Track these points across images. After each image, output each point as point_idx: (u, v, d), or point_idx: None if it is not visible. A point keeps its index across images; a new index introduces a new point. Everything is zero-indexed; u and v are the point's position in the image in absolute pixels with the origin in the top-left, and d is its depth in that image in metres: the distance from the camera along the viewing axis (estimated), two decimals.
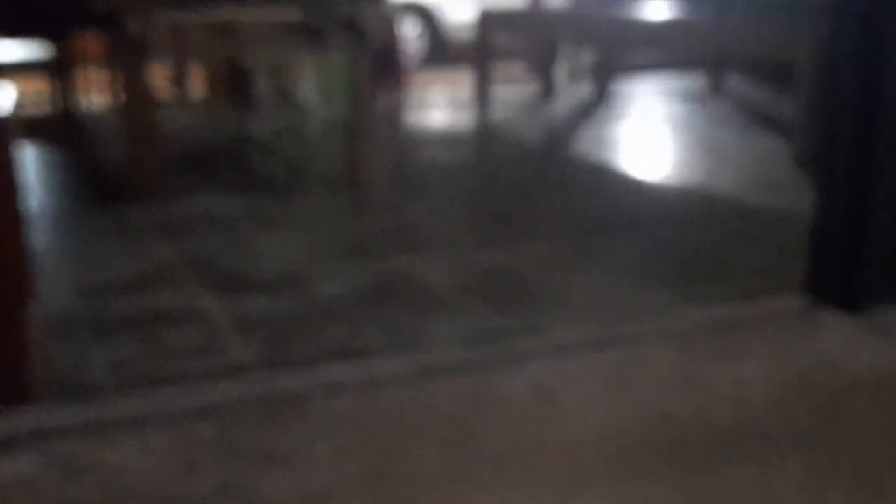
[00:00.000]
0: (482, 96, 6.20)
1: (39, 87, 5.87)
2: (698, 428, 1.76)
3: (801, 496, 1.53)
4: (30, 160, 4.38)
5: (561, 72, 7.15)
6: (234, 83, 6.06)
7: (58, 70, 5.60)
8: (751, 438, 1.72)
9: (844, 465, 1.63)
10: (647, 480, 1.57)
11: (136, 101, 3.55)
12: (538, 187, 3.96)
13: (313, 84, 5.78)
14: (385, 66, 6.67)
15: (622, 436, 1.73)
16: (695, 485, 1.56)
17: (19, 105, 1.95)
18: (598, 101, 6.18)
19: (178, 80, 6.69)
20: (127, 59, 3.48)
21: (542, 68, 6.66)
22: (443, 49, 9.76)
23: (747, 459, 1.64)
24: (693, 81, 6.86)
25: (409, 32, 9.51)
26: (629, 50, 7.13)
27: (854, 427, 1.76)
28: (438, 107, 6.30)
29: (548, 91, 6.46)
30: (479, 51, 6.28)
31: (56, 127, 5.41)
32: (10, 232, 1.81)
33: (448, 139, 5.14)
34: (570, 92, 6.67)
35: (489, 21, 6.27)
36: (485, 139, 5.36)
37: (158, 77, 6.17)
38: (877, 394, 1.89)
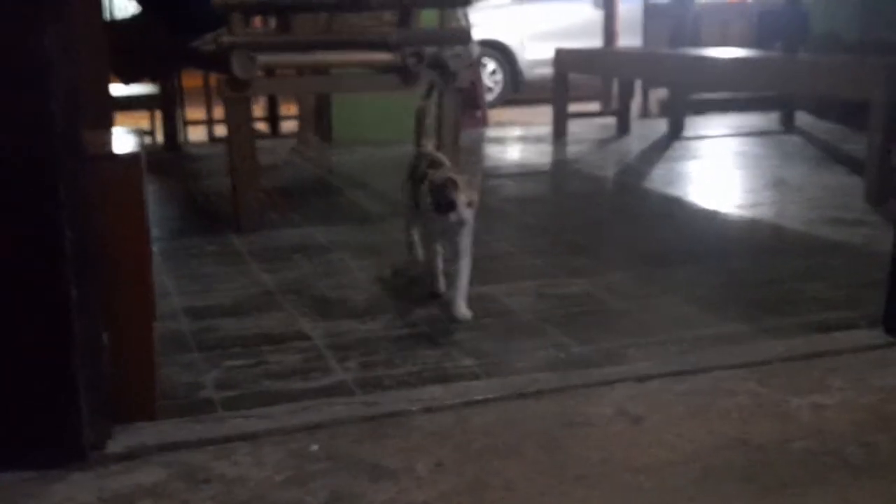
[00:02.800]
0: (559, 132, 6.25)
1: (142, 121, 6.10)
2: (778, 453, 1.77)
3: None
4: None
5: (635, 109, 7.17)
6: (320, 118, 6.22)
7: (162, 105, 5.81)
8: (830, 465, 1.73)
9: None
10: (729, 502, 1.59)
11: (240, 136, 3.67)
12: (613, 220, 3.98)
13: (397, 117, 5.88)
14: (466, 103, 6.77)
15: (704, 459, 1.75)
16: None
17: (142, 142, 2.06)
18: (671, 138, 6.18)
19: (270, 115, 6.88)
20: (232, 97, 3.61)
21: (618, 106, 6.70)
22: (521, 87, 9.84)
23: (827, 485, 1.65)
24: (764, 119, 6.82)
25: (490, 70, 9.62)
26: (701, 88, 7.12)
27: None
28: (517, 142, 6.37)
29: (622, 128, 6.49)
30: (556, 88, 6.34)
31: (162, 160, 5.60)
32: (142, 260, 1.91)
33: (526, 173, 5.20)
34: (644, 129, 6.68)
35: (566, 59, 6.33)
36: (561, 173, 5.40)
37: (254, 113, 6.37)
38: None
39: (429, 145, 2.93)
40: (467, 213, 2.41)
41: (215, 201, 4.29)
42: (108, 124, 2.34)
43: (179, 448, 1.78)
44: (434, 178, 2.47)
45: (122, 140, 1.97)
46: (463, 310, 2.57)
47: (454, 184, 2.39)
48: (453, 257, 2.59)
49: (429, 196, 2.51)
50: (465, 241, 2.54)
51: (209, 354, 2.36)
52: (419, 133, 2.93)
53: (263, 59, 3.63)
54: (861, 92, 4.24)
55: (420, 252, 2.97)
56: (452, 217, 2.41)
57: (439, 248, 2.75)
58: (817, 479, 1.68)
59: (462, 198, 2.38)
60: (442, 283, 2.78)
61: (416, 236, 2.98)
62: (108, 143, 1.97)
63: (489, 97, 8.85)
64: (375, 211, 4.30)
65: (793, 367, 2.19)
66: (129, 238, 1.85)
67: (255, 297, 2.85)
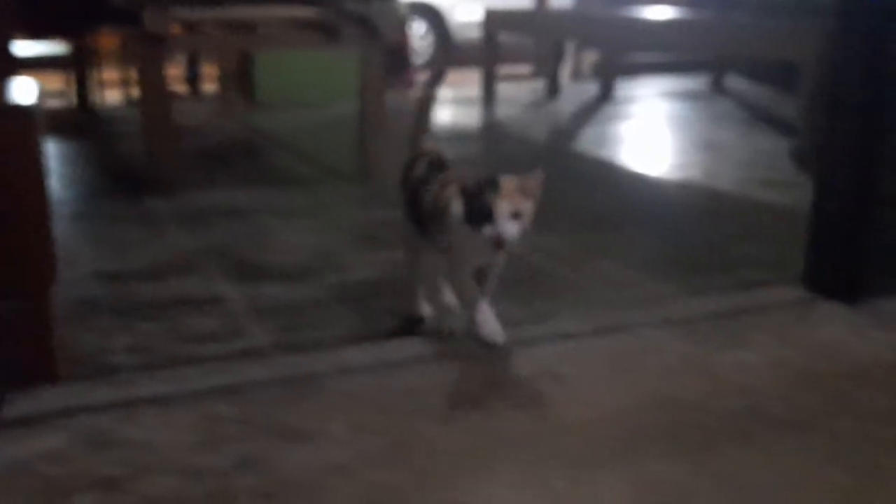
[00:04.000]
0: (488, 94, 6.22)
1: (56, 83, 5.90)
2: (703, 410, 1.77)
3: (803, 477, 1.55)
4: (50, 153, 4.41)
5: (565, 71, 7.17)
6: (244, 78, 6.09)
7: (75, 66, 5.62)
8: (755, 421, 1.74)
9: (847, 449, 1.64)
10: (653, 460, 1.58)
11: (155, 95, 3.57)
12: (546, 182, 3.97)
13: (323, 78, 5.80)
14: (395, 64, 6.69)
15: (629, 417, 1.75)
16: (700, 464, 1.58)
17: (42, 97, 1.97)
18: (602, 100, 6.20)
19: (190, 75, 6.72)
20: (145, 54, 3.50)
21: (548, 68, 6.69)
22: (450, 48, 9.77)
23: (752, 441, 1.66)
24: (695, 81, 6.88)
25: (418, 31, 9.54)
26: (633, 50, 7.14)
27: (857, 412, 1.77)
28: (446, 104, 6.32)
29: (553, 90, 6.48)
30: (485, 50, 6.30)
31: (74, 121, 5.44)
32: (37, 219, 1.83)
33: (455, 135, 5.15)
34: (575, 91, 6.69)
35: (495, 20, 6.29)
36: (491, 136, 5.37)
37: (172, 74, 6.21)
38: (878, 381, 1.90)
39: (427, 143, 2.29)
40: (512, 229, 1.85)
41: (132, 164, 4.17)
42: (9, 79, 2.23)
43: (82, 412, 1.71)
44: (465, 180, 1.91)
45: (20, 94, 1.87)
46: (493, 328, 2.04)
47: (494, 186, 1.85)
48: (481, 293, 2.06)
49: (453, 203, 1.95)
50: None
51: (122, 319, 2.29)
52: (417, 129, 2.31)
53: (179, 13, 3.52)
54: (791, 54, 4.28)
55: (426, 297, 2.27)
56: (488, 231, 1.85)
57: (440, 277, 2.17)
58: (743, 435, 1.68)
59: (505, 206, 1.84)
60: (423, 306, 2.27)
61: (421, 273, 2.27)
62: (2, 96, 1.87)
63: (419, 60, 8.77)
64: (300, 172, 4.23)
65: (718, 324, 2.20)
66: (25, 195, 1.76)
67: (173, 261, 2.77)
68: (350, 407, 1.76)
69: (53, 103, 5.78)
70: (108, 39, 6.11)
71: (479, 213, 1.85)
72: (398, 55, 6.89)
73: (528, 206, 1.88)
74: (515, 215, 1.85)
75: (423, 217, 2.10)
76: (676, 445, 1.64)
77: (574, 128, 5.32)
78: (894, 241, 2.31)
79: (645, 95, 6.47)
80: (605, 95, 6.28)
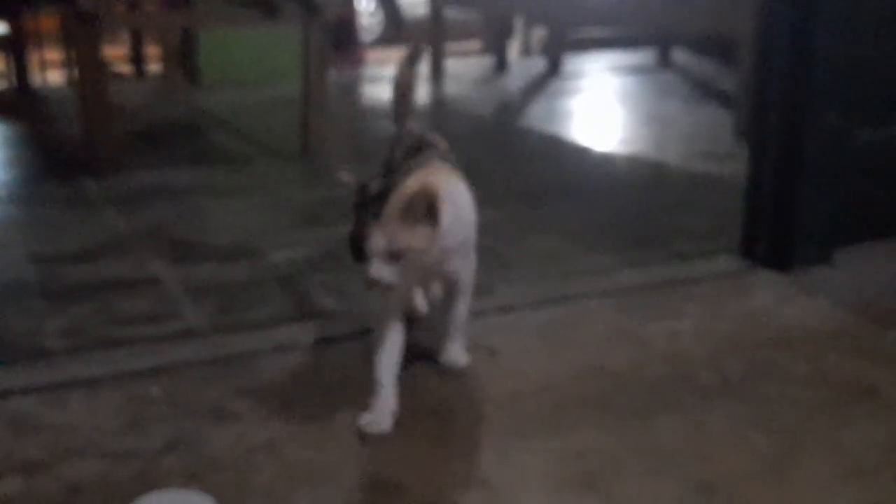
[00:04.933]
0: (436, 71, 6.20)
1: None
2: (631, 380, 1.80)
3: (727, 442, 1.58)
4: None
5: (514, 47, 7.17)
6: (187, 58, 6.02)
7: (12, 47, 5.52)
8: (682, 389, 1.77)
9: (770, 413, 1.68)
10: (581, 430, 1.61)
11: (90, 75, 3.52)
12: (489, 158, 3.98)
13: (267, 57, 5.75)
14: (341, 41, 6.65)
15: (558, 388, 1.77)
16: (626, 432, 1.61)
17: None
18: (550, 76, 6.21)
19: (134, 56, 6.63)
20: (80, 33, 3.44)
21: (495, 44, 6.68)
22: (399, 25, 9.72)
23: (678, 409, 1.69)
24: (641, 56, 6.91)
25: (367, 8, 9.48)
26: (580, 25, 7.16)
27: (780, 378, 1.81)
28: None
29: (500, 66, 6.48)
30: (433, 26, 6.27)
31: (11, 102, 5.34)
32: None
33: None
34: (523, 67, 6.69)
35: None
36: (438, 112, 5.36)
37: (115, 54, 6.13)
38: (802, 346, 1.94)
39: (412, 124, 2.01)
40: (386, 273, 1.48)
41: (69, 145, 4.10)
42: None
43: (7, 395, 1.69)
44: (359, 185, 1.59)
45: None
46: (457, 354, 1.84)
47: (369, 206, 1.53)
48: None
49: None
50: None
51: (53, 302, 2.27)
52: (399, 109, 2.06)
53: None
54: (730, 28, 4.32)
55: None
56: (364, 270, 1.49)
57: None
58: (670, 403, 1.72)
59: (379, 241, 1.47)
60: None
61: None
62: None
63: (369, 38, 8.72)
64: (241, 152, 4.20)
65: (651, 294, 2.24)
66: None
67: (107, 243, 2.74)
68: (281, 386, 1.76)
69: None
70: (47, 20, 6.01)
71: (352, 241, 1.52)
72: (345, 32, 6.85)
73: (417, 241, 1.44)
74: (393, 256, 1.44)
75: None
76: (604, 415, 1.67)
77: (521, 104, 5.33)
78: (825, 210, 2.36)
79: (593, 70, 6.49)
80: (553, 71, 6.29)
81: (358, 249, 1.52)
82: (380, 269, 1.45)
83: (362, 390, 1.71)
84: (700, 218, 2.94)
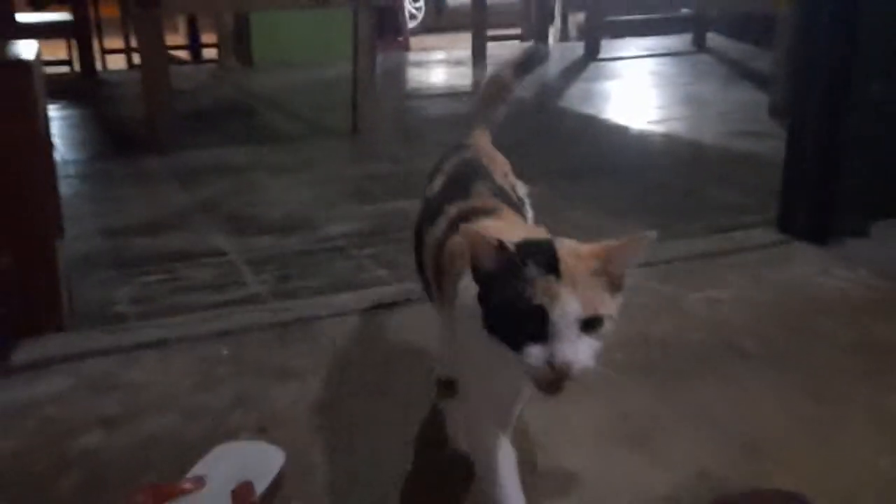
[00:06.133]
0: (478, 54, 6.18)
1: (59, 51, 5.86)
2: (676, 346, 1.79)
3: (771, 406, 1.57)
4: (55, 117, 4.39)
5: (554, 33, 7.12)
6: (240, 42, 6.05)
7: (76, 34, 5.58)
8: (726, 356, 1.75)
9: (813, 379, 1.66)
10: (628, 394, 1.60)
11: (152, 59, 3.55)
12: (529, 138, 3.97)
13: (316, 39, 5.77)
14: (387, 26, 6.65)
15: (605, 356, 1.76)
16: (672, 395, 1.60)
17: (41, 58, 1.96)
18: (588, 60, 6.16)
19: (190, 41, 6.68)
20: (141, 18, 3.47)
21: (536, 29, 6.64)
22: (441, 10, 9.69)
23: (723, 374, 1.68)
24: (677, 41, 6.84)
25: None
26: (618, 11, 7.09)
27: (823, 345, 1.79)
28: (437, 65, 6.29)
29: None
30: (474, 9, 6.25)
31: (77, 87, 5.40)
32: (42, 173, 1.83)
33: (445, 95, 5.13)
34: (562, 52, 6.65)
35: None
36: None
37: (173, 41, 6.17)
38: (843, 315, 1.92)
39: (483, 138, 1.56)
40: (584, 353, 0.95)
41: (132, 126, 4.15)
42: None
43: (86, 357, 1.72)
44: (477, 237, 0.99)
45: (18, 51, 1.87)
46: None
47: (544, 258, 0.96)
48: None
49: (464, 280, 1.07)
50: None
51: (123, 271, 2.30)
52: (482, 112, 1.61)
53: None
54: (766, 7, 4.26)
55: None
56: (532, 359, 0.94)
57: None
58: (715, 368, 1.70)
59: (571, 304, 0.94)
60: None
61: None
62: (4, 54, 1.86)
63: (412, 24, 8.71)
64: (293, 131, 4.23)
65: (692, 265, 2.22)
66: (25, 149, 1.76)
67: (170, 217, 2.77)
68: (339, 348, 1.77)
69: (57, 70, 5.74)
70: (108, 7, 6.07)
71: (513, 320, 0.95)
72: (391, 17, 6.85)
73: (612, 303, 0.98)
74: (590, 324, 0.95)
75: (422, 264, 1.33)
76: (650, 379, 1.66)
77: (560, 86, 5.30)
78: (862, 184, 2.32)
79: (629, 55, 6.43)
80: (591, 55, 6.24)
81: (495, 320, 0.98)
82: (575, 348, 0.94)
83: (415, 353, 1.72)
84: (737, 193, 2.91)
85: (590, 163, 3.43)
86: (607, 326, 0.97)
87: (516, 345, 0.95)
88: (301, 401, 1.55)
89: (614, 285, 0.99)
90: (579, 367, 0.94)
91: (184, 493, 1.25)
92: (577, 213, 2.73)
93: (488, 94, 1.61)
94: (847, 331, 1.84)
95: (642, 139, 3.87)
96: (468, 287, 1.03)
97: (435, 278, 1.24)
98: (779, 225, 2.40)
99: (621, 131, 4.02)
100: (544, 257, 0.96)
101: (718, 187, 3.00)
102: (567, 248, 0.99)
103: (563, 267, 0.95)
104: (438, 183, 1.38)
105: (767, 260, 2.25)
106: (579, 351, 0.94)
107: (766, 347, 1.78)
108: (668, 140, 3.82)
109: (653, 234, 1.00)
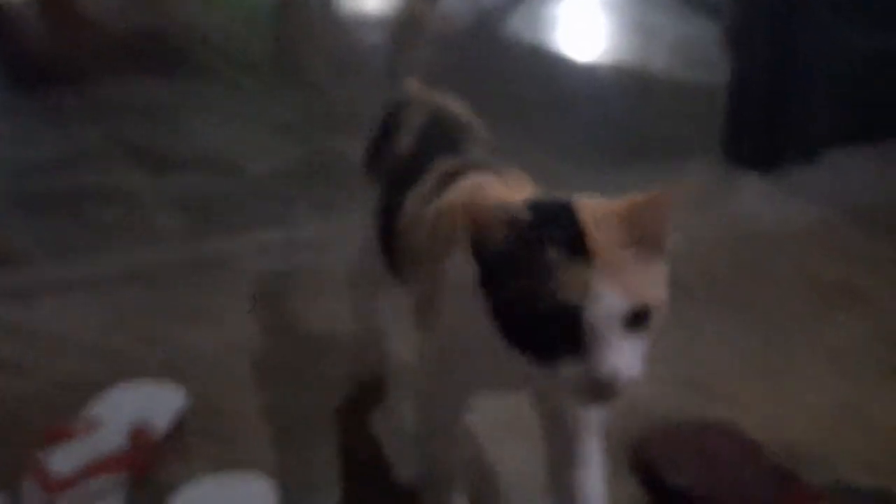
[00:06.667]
0: None
1: None
2: None
3: (715, 343, 1.59)
4: None
5: None
6: None
7: None
8: (670, 290, 1.77)
9: (756, 314, 1.69)
10: None
11: None
12: (470, 69, 3.94)
13: None
14: None
15: None
16: None
17: None
18: None
19: None
20: None
21: None
22: None
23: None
24: None
25: None
26: None
27: (767, 280, 1.82)
28: None
29: None
30: None
31: None
32: None
33: (379, 23, 5.06)
34: None
35: None
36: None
37: None
38: (788, 248, 1.95)
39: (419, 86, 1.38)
40: (632, 359, 0.79)
41: (36, 58, 4.01)
42: None
43: None
44: (480, 209, 0.80)
45: None
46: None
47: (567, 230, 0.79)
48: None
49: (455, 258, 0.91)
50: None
51: (28, 211, 2.25)
52: (400, 59, 1.41)
53: None
54: None
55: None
56: (565, 373, 0.78)
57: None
58: None
59: (613, 297, 0.76)
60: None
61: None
62: None
63: None
64: (215, 61, 4.13)
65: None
66: None
67: (79, 153, 2.70)
68: (259, 286, 1.76)
69: None
70: None
71: (534, 323, 0.77)
72: None
73: (658, 281, 0.83)
74: (636, 319, 0.78)
75: (395, 246, 1.12)
76: None
77: (501, 12, 5.25)
78: (812, 111, 2.35)
79: None
80: None
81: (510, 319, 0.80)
82: (621, 353, 0.76)
83: (336, 295, 1.71)
84: (686, 125, 2.93)
85: (536, 99, 3.42)
86: (656, 319, 0.79)
87: (540, 355, 0.76)
88: (212, 342, 1.55)
89: (655, 248, 0.81)
90: (628, 377, 0.76)
91: (73, 435, 1.23)
92: (529, 155, 2.71)
93: (402, 36, 1.40)
94: (792, 265, 1.88)
95: (589, 72, 3.87)
96: (463, 267, 0.83)
97: (412, 252, 1.05)
98: (726, 154, 2.43)
99: (569, 64, 4.00)
100: (566, 231, 0.77)
101: (665, 119, 3.01)
102: (590, 211, 0.80)
103: (592, 243, 0.75)
104: (408, 140, 1.21)
105: (714, 191, 2.27)
106: (626, 356, 0.76)
107: (710, 284, 1.80)
108: (617, 72, 3.81)
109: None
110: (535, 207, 0.80)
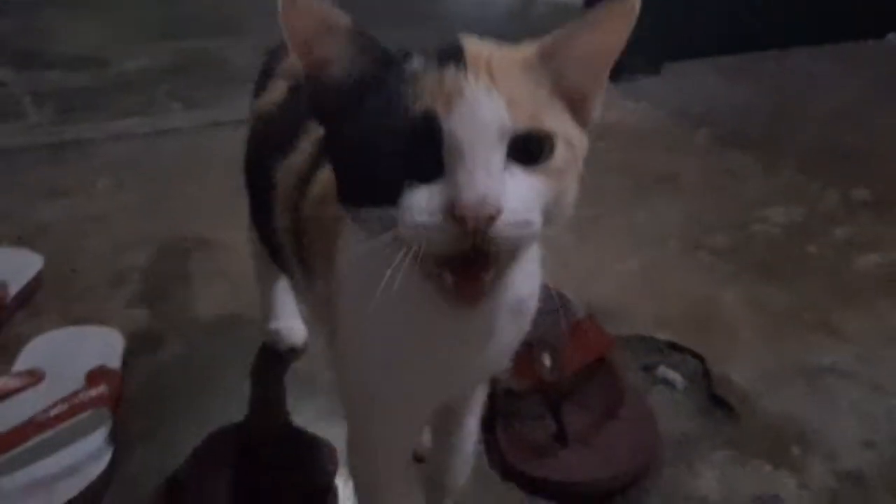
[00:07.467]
0: None
1: None
2: None
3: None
4: None
5: None
6: None
7: None
8: None
9: (583, 196, 1.80)
10: None
11: None
12: (369, 14, 3.94)
13: None
14: None
15: None
16: None
17: None
18: None
19: None
20: None
21: None
22: None
23: None
24: None
25: None
26: None
27: (596, 168, 1.94)
28: None
29: None
30: None
31: None
32: None
33: None
34: None
35: None
36: None
37: None
38: (617, 141, 2.09)
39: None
40: (515, 193, 0.58)
41: None
42: None
43: None
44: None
45: None
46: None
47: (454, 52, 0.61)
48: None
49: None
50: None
51: None
52: None
53: None
54: None
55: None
56: (417, 207, 0.56)
57: None
58: None
59: (495, 102, 0.57)
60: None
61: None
62: None
63: None
64: None
65: None
66: None
67: None
68: (115, 169, 1.82)
69: None
70: None
71: (383, 155, 0.59)
72: None
73: (567, 122, 0.65)
74: (527, 145, 0.60)
75: (267, 218, 0.90)
76: None
77: None
78: (655, 23, 2.48)
79: None
80: None
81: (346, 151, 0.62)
82: (494, 177, 0.57)
83: (195, 179, 1.78)
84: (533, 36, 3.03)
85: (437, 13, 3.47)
86: (562, 152, 0.61)
87: (388, 197, 0.57)
88: (67, 216, 1.61)
89: (575, 106, 0.65)
90: (505, 215, 0.56)
91: (19, 390, 1.15)
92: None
93: None
94: (620, 157, 2.02)
95: None
96: (353, 240, 0.66)
97: (295, 238, 0.83)
98: None
99: None
100: (441, 49, 0.60)
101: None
102: (485, 44, 0.63)
103: (471, 56, 0.59)
104: (280, 89, 0.95)
105: None
106: (505, 185, 0.57)
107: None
108: None
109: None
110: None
